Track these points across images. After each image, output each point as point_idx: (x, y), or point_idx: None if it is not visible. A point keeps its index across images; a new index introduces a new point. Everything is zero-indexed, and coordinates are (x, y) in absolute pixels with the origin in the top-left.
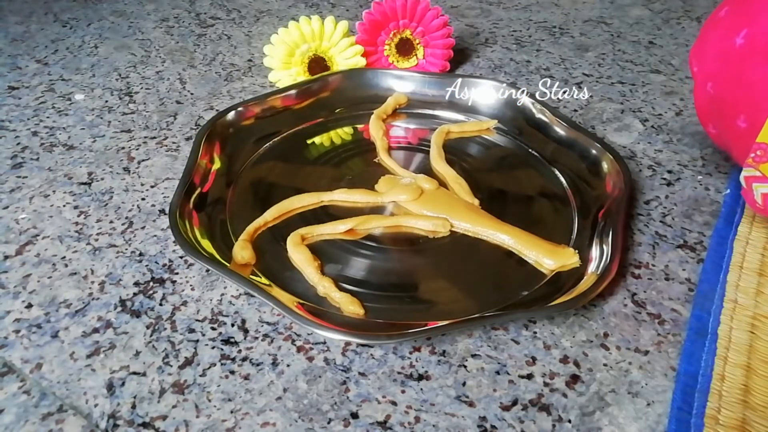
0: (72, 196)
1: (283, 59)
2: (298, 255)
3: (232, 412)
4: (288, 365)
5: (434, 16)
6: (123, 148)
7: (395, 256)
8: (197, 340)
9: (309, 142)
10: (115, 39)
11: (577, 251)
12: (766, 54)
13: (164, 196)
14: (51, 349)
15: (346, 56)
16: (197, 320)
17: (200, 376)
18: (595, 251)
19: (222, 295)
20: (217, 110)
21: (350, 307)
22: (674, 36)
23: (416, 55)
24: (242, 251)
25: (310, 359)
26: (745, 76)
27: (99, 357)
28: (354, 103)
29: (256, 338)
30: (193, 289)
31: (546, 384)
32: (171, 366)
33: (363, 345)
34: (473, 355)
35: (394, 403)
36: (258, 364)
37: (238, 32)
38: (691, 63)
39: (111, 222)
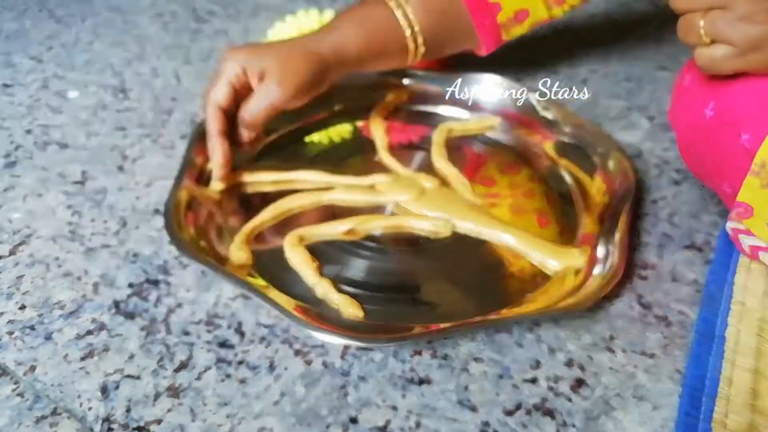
0: (65, 195)
1: None
2: (296, 256)
3: (228, 416)
4: (285, 369)
5: None
6: (117, 146)
7: (395, 257)
8: (192, 343)
9: (307, 140)
10: (110, 35)
11: (582, 252)
12: (736, 126)
13: (159, 196)
14: (45, 351)
15: None
16: (192, 322)
17: (196, 379)
18: (601, 252)
19: (218, 297)
20: None
21: (349, 309)
22: None
23: None
24: (239, 252)
25: (308, 363)
26: (721, 148)
27: (93, 359)
28: (353, 101)
29: (253, 341)
30: (188, 291)
31: (550, 388)
32: (166, 369)
33: (362, 348)
34: (476, 359)
35: (394, 408)
36: (255, 368)
37: (234, 27)
38: (672, 124)
39: (105, 222)
